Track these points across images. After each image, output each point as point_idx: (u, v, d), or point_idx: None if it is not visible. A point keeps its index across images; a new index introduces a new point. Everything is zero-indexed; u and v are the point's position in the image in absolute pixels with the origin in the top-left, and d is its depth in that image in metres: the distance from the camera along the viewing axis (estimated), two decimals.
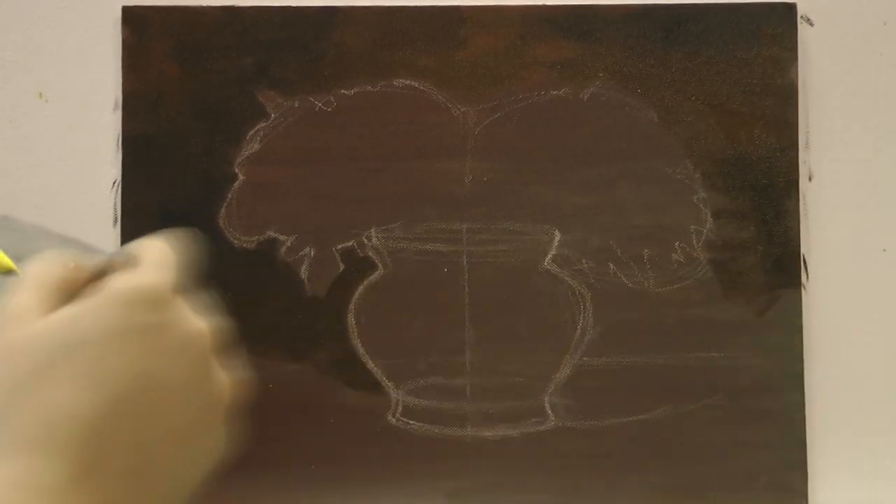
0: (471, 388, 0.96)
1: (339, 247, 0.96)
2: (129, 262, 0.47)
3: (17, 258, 0.72)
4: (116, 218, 0.96)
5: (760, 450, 0.96)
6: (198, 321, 0.46)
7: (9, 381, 0.41)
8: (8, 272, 0.71)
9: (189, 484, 0.45)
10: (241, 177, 0.96)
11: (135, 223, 0.96)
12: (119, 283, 0.44)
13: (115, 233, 0.96)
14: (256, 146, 0.96)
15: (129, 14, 0.96)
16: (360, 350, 0.96)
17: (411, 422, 0.96)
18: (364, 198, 0.96)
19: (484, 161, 0.97)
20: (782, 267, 0.97)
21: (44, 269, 0.46)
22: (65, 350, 0.41)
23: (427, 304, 0.96)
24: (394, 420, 0.96)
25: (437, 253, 0.96)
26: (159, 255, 0.48)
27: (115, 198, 0.97)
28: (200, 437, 0.45)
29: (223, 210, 0.96)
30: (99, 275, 0.47)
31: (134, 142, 0.96)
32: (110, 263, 0.48)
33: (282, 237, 0.96)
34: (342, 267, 0.96)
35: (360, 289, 0.96)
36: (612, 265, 0.97)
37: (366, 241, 0.96)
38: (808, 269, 0.98)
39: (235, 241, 0.96)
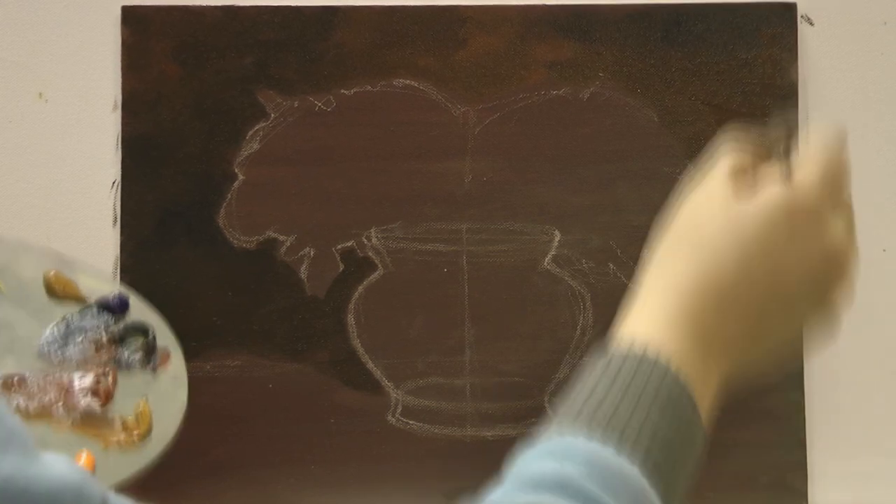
0: (471, 388, 0.96)
1: (339, 247, 0.96)
2: (798, 160, 0.54)
3: (1, 273, 0.73)
4: (116, 218, 0.96)
5: (760, 450, 0.96)
6: (835, 239, 0.52)
7: (680, 234, 0.53)
8: None
9: (799, 325, 0.55)
10: (240, 177, 0.96)
11: (135, 223, 0.96)
12: (778, 198, 0.51)
13: (115, 233, 0.96)
14: (256, 146, 0.96)
15: (129, 14, 0.96)
16: (360, 350, 0.96)
17: (411, 422, 0.96)
18: (364, 198, 0.96)
19: (484, 161, 0.97)
20: None
21: (734, 159, 0.56)
22: (727, 231, 0.51)
23: (427, 304, 0.96)
24: (394, 420, 0.96)
25: (437, 253, 0.96)
26: (822, 171, 0.53)
27: (115, 198, 0.97)
28: (809, 295, 0.53)
29: (223, 210, 0.96)
30: (776, 153, 0.56)
31: (134, 142, 0.96)
32: (784, 143, 0.56)
33: (282, 237, 0.96)
34: (342, 267, 0.96)
35: (360, 289, 0.96)
36: (612, 265, 0.97)
37: (366, 241, 0.96)
38: None
39: (235, 241, 0.96)
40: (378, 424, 0.96)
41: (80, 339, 0.72)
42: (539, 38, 0.97)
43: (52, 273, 0.75)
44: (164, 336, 0.74)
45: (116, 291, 0.75)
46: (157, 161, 0.96)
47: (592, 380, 0.48)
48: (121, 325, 0.73)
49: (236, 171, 0.96)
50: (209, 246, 0.96)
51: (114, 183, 0.97)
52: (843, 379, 0.98)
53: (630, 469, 0.44)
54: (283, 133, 0.96)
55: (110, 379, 0.70)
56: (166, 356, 0.73)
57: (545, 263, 0.97)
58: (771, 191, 0.52)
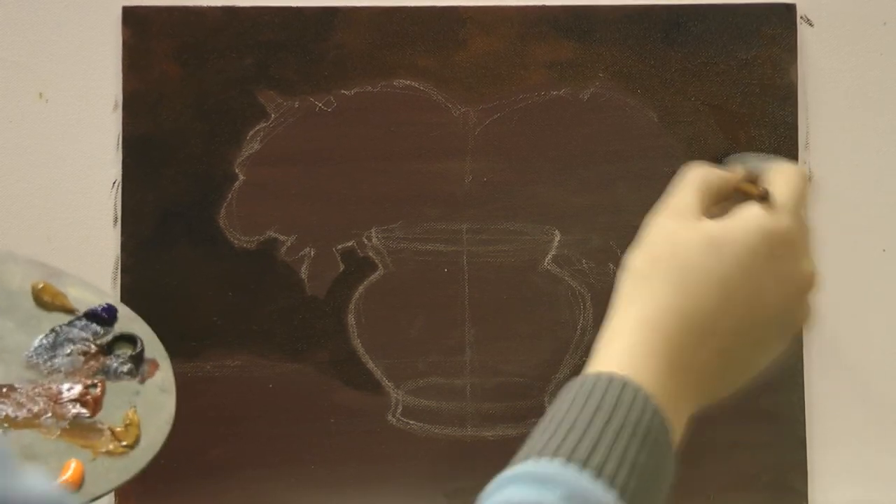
0: (471, 388, 0.96)
1: (339, 247, 0.96)
2: (769, 184, 0.53)
3: None
4: (116, 218, 0.96)
5: (760, 450, 0.96)
6: (804, 262, 0.52)
7: (655, 256, 0.52)
8: None
9: (772, 353, 0.53)
10: (241, 177, 0.96)
11: (135, 223, 0.96)
12: (760, 218, 0.50)
13: (115, 233, 0.96)
14: (256, 146, 0.96)
15: (129, 14, 0.96)
16: (360, 350, 0.96)
17: (411, 422, 0.96)
18: (364, 198, 0.96)
19: (484, 161, 0.97)
20: None
21: (703, 174, 0.54)
22: (705, 254, 0.50)
23: (427, 304, 0.96)
24: (394, 420, 0.96)
25: (437, 253, 0.96)
26: (796, 193, 0.52)
27: (115, 198, 0.97)
28: (782, 321, 0.52)
29: (223, 210, 0.96)
30: (745, 180, 0.55)
31: (134, 142, 0.96)
32: (753, 174, 0.55)
33: (282, 237, 0.96)
34: (342, 267, 0.96)
35: (360, 289, 0.96)
36: (612, 265, 0.97)
37: (366, 241, 0.96)
38: None
39: (235, 241, 0.96)
40: (378, 424, 0.96)
41: (68, 349, 0.72)
42: (539, 38, 0.97)
43: (40, 284, 0.75)
44: (153, 346, 0.74)
45: (104, 302, 0.75)
46: (158, 161, 0.96)
47: (568, 407, 0.47)
48: (109, 335, 0.74)
49: (237, 171, 0.96)
50: (209, 246, 0.96)
51: (114, 183, 0.97)
52: (843, 379, 0.98)
53: (607, 497, 0.43)
54: (283, 133, 0.96)
55: (99, 389, 0.70)
56: (154, 366, 0.73)
57: (545, 263, 0.97)
58: (750, 212, 0.51)
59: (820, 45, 0.99)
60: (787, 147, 0.97)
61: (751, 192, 0.53)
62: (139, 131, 0.96)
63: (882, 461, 0.99)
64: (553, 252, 0.97)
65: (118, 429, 0.69)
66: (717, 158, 0.97)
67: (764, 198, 0.52)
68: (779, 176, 0.53)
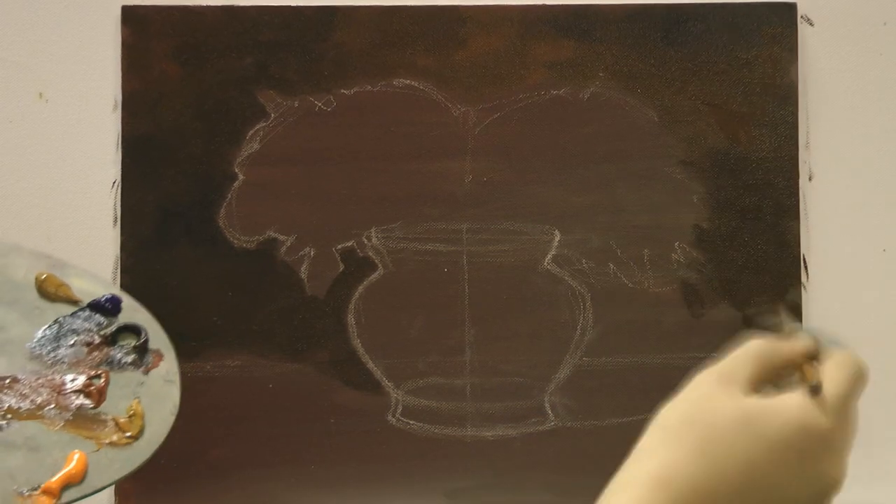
0: (471, 388, 0.96)
1: (339, 247, 0.96)
2: (825, 374, 0.51)
3: None
4: (116, 218, 0.96)
5: None
6: (836, 466, 0.49)
7: (687, 416, 0.51)
8: None
9: None
10: (241, 177, 0.96)
11: (135, 223, 0.96)
12: (802, 411, 0.48)
13: (115, 233, 0.96)
14: (256, 146, 0.96)
15: (129, 14, 0.96)
16: (360, 350, 0.96)
17: (411, 422, 0.96)
18: (364, 198, 0.96)
19: (484, 161, 0.97)
20: (782, 267, 0.97)
21: (764, 348, 0.52)
22: (737, 431, 0.48)
23: (427, 304, 0.96)
24: (394, 420, 0.96)
25: (437, 253, 0.96)
26: (848, 391, 0.51)
27: (115, 198, 0.97)
28: None
29: (223, 210, 0.96)
30: (806, 358, 0.53)
31: (134, 142, 0.96)
32: (814, 352, 0.54)
33: (282, 237, 0.96)
34: (342, 267, 0.96)
35: (360, 289, 0.96)
36: (612, 265, 0.97)
37: (366, 241, 0.96)
38: (808, 269, 0.98)
39: (235, 241, 0.96)
40: (378, 424, 0.96)
41: (72, 340, 0.72)
42: (539, 37, 0.97)
43: (44, 275, 0.75)
44: (157, 337, 0.74)
45: (108, 293, 0.75)
46: (158, 161, 0.96)
47: None
48: (113, 326, 0.73)
49: (236, 171, 0.96)
50: (209, 246, 0.96)
51: (114, 183, 0.97)
52: None
53: None
54: (283, 133, 0.96)
55: (102, 380, 0.70)
56: (159, 357, 0.73)
57: (545, 263, 0.97)
58: (794, 401, 0.49)
59: (820, 45, 0.99)
60: (787, 147, 0.97)
61: (806, 375, 0.51)
62: (139, 131, 0.96)
63: (883, 461, 0.99)
64: (553, 252, 0.97)
65: (122, 420, 0.69)
66: (715, 157, 0.97)
67: (816, 389, 0.50)
68: (836, 368, 0.52)
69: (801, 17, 0.98)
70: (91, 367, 0.71)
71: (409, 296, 0.96)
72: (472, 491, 0.96)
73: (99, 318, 0.74)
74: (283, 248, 0.96)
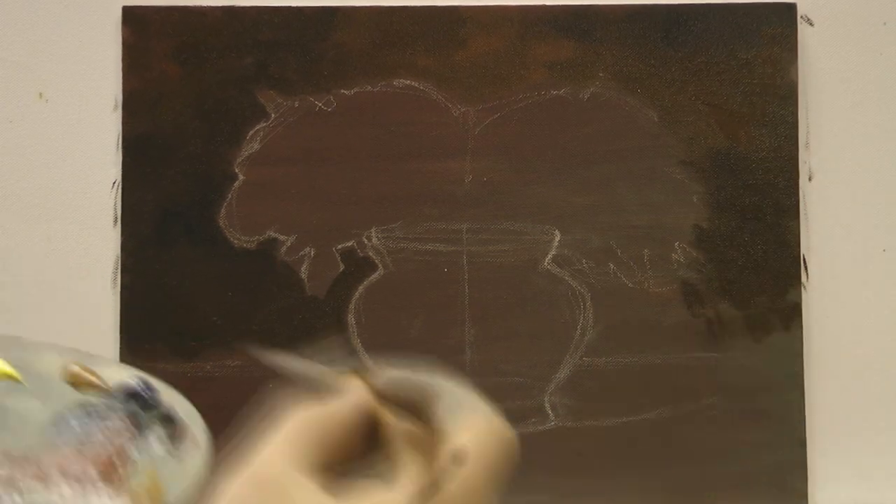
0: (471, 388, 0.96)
1: (339, 247, 0.96)
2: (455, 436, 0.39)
3: (21, 369, 0.73)
4: (116, 218, 0.96)
5: (760, 450, 0.96)
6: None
7: None
8: (10, 379, 0.72)
9: None
10: (241, 177, 0.96)
11: (135, 223, 0.96)
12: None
13: (115, 233, 0.96)
14: (256, 146, 0.96)
15: (129, 14, 0.96)
16: (360, 350, 0.96)
17: None
18: (364, 198, 0.96)
19: (484, 161, 0.97)
20: (782, 267, 0.97)
21: (300, 423, 0.40)
22: None
23: (427, 304, 0.96)
24: None
25: (437, 253, 0.96)
26: (481, 467, 0.37)
27: (115, 198, 0.97)
28: None
29: (223, 210, 0.96)
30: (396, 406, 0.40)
31: (134, 142, 0.96)
32: (418, 401, 0.41)
33: (282, 237, 0.96)
34: (342, 267, 0.96)
35: (360, 289, 0.96)
36: (612, 265, 0.97)
37: (366, 241, 0.96)
38: (808, 269, 0.98)
39: (235, 241, 0.96)
40: None
41: (98, 427, 0.72)
42: (539, 38, 0.97)
43: (74, 367, 0.75)
44: (194, 423, 0.72)
45: (141, 381, 0.74)
46: (158, 161, 0.96)
47: None
48: (143, 413, 0.73)
49: (236, 171, 0.96)
50: (209, 246, 0.96)
51: (114, 183, 0.97)
52: (843, 379, 0.98)
53: None
54: (283, 133, 0.96)
55: (120, 467, 0.69)
56: (192, 441, 0.71)
57: (545, 263, 0.97)
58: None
59: (820, 45, 0.99)
60: (787, 147, 0.97)
61: (438, 466, 0.37)
62: (139, 131, 0.96)
63: (882, 461, 0.99)
64: (553, 252, 0.97)
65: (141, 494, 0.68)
66: (715, 157, 0.97)
67: (457, 458, 0.36)
68: (465, 429, 0.38)
69: (801, 17, 0.98)
70: (113, 454, 0.70)
71: (409, 296, 0.96)
72: None
73: (129, 404, 0.73)
74: (283, 248, 0.96)
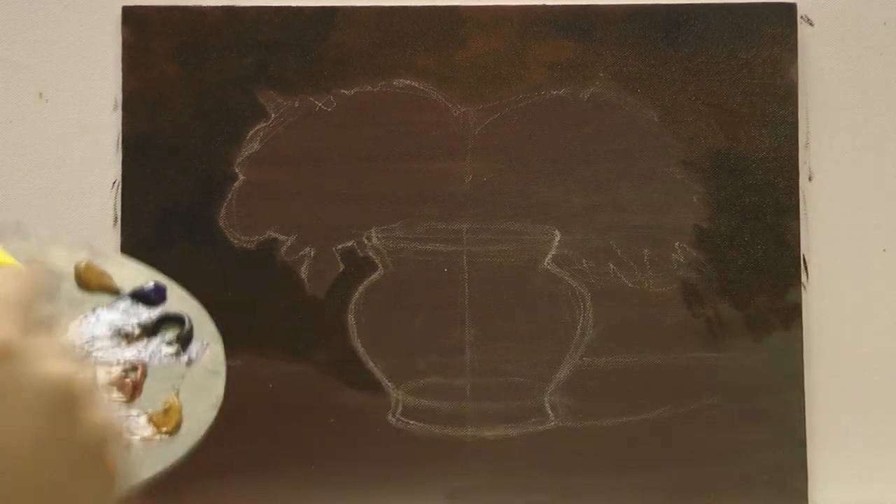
0: (471, 388, 0.96)
1: (339, 247, 0.96)
2: None
3: (30, 264, 0.71)
4: (116, 218, 0.96)
5: (760, 450, 0.96)
6: (54, 367, 0.38)
7: None
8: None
9: None
10: (241, 177, 0.96)
11: (135, 223, 0.96)
12: None
13: (115, 233, 0.96)
14: (256, 146, 0.96)
15: (129, 14, 0.96)
16: (360, 350, 0.96)
17: (411, 422, 0.96)
18: (364, 198, 0.96)
19: (484, 161, 0.97)
20: (782, 267, 0.97)
21: None
22: None
23: (427, 304, 0.96)
24: (394, 420, 0.96)
25: (437, 253, 0.96)
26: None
27: (115, 198, 0.97)
28: (71, 490, 0.39)
29: (223, 210, 0.96)
30: None
31: (134, 142, 0.96)
32: None
33: (282, 237, 0.96)
34: (342, 267, 0.96)
35: (360, 289, 0.96)
36: (612, 265, 0.97)
37: (366, 241, 0.96)
38: (808, 269, 0.98)
39: (235, 241, 0.96)
40: (378, 424, 0.96)
41: (110, 330, 0.70)
42: (539, 38, 0.97)
43: (83, 264, 0.72)
44: (203, 327, 0.71)
45: (152, 281, 0.72)
46: (158, 161, 0.96)
47: None
48: (155, 315, 0.70)
49: (237, 171, 0.96)
50: (209, 246, 0.96)
51: (114, 183, 0.97)
52: (843, 379, 0.98)
53: None
54: (283, 133, 0.96)
55: (139, 373, 0.68)
56: (204, 348, 0.70)
57: (545, 263, 0.97)
58: None
59: (820, 45, 0.99)
60: (787, 147, 0.97)
61: None
62: (139, 131, 0.96)
63: (882, 461, 0.99)
64: (553, 252, 0.97)
65: (157, 415, 0.66)
66: (715, 157, 0.97)
67: None
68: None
69: (801, 17, 0.98)
70: (128, 359, 0.68)
71: (409, 296, 0.96)
72: (472, 491, 0.96)
73: (140, 307, 0.71)
74: (283, 248, 0.96)
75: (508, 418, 0.96)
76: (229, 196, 0.96)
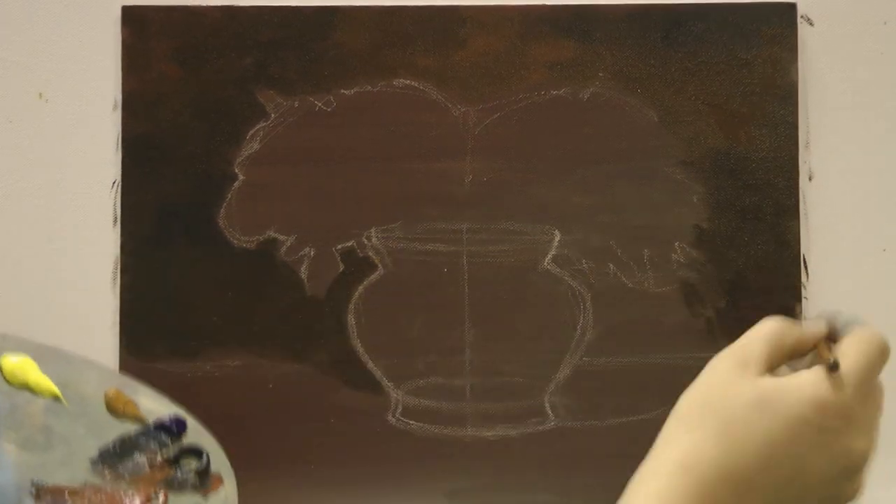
0: (471, 388, 0.96)
1: (339, 247, 0.96)
2: (842, 352, 0.51)
3: (63, 385, 0.74)
4: (116, 218, 0.96)
5: None
6: (861, 440, 0.51)
7: (704, 402, 0.51)
8: (54, 399, 0.73)
9: None
10: (241, 177, 0.96)
11: (135, 223, 0.96)
12: (816, 387, 0.49)
13: (115, 233, 0.96)
14: (256, 146, 0.96)
15: (129, 14, 0.96)
16: (360, 350, 0.96)
17: (411, 422, 0.96)
18: (364, 198, 0.96)
19: (484, 161, 0.97)
20: (782, 267, 0.97)
21: (779, 329, 0.53)
22: (754, 411, 0.49)
23: (427, 304, 0.96)
24: (394, 420, 0.96)
25: (437, 253, 0.96)
26: (866, 367, 0.51)
27: (115, 198, 0.97)
28: (827, 493, 0.52)
29: (223, 210, 0.96)
30: (823, 340, 0.54)
31: (134, 142, 0.96)
32: (834, 334, 0.54)
33: (282, 237, 0.96)
34: (342, 267, 0.96)
35: (360, 289, 0.96)
36: (612, 265, 0.97)
37: (366, 241, 0.96)
38: (808, 269, 0.98)
39: (235, 241, 0.96)
40: (378, 424, 0.96)
41: (134, 457, 0.72)
42: (539, 38, 0.97)
43: (112, 391, 0.75)
44: (218, 460, 0.74)
45: (173, 413, 0.75)
46: (157, 161, 0.96)
47: None
48: (176, 446, 0.73)
49: (236, 171, 0.96)
50: (209, 246, 0.96)
51: (114, 183, 0.97)
52: None
53: None
54: (283, 133, 0.96)
55: (161, 499, 0.70)
56: (219, 481, 0.73)
57: (545, 263, 0.97)
58: (808, 378, 0.50)
59: (820, 45, 0.99)
60: (787, 147, 0.97)
61: (823, 356, 0.52)
62: (138, 131, 0.96)
63: (882, 461, 0.99)
64: (553, 252, 0.97)
65: None
66: (715, 157, 0.97)
67: (833, 366, 0.50)
68: (854, 344, 0.52)
69: (801, 17, 0.98)
70: (151, 486, 0.71)
71: (409, 296, 0.96)
72: (472, 491, 0.96)
73: (163, 438, 0.74)
74: (283, 248, 0.96)
75: (508, 418, 0.96)
76: (229, 196, 0.96)
